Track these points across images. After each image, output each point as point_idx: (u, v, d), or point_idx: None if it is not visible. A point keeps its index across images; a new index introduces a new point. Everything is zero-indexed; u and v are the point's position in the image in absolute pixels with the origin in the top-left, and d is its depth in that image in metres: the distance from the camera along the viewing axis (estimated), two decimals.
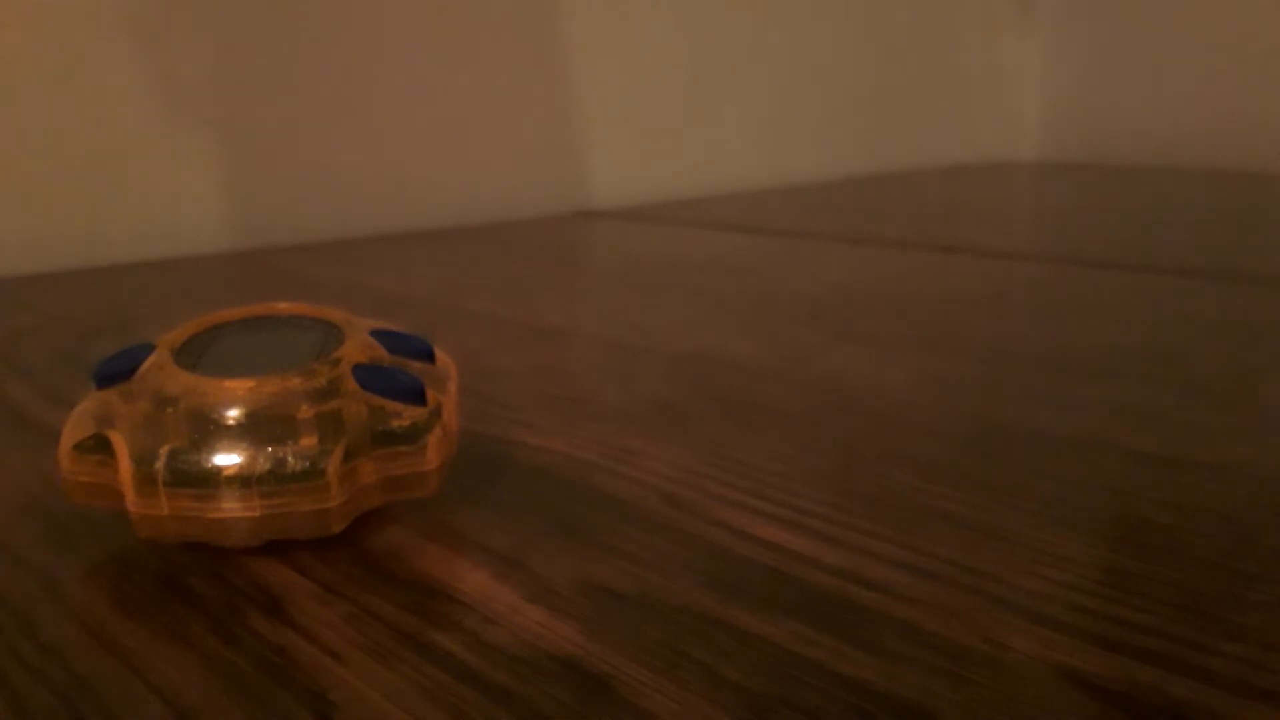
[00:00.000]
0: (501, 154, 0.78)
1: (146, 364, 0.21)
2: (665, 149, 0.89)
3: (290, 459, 0.20)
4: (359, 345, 0.22)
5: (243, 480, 0.20)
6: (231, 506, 0.20)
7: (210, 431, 0.20)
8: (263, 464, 0.20)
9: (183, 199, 0.63)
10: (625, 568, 0.20)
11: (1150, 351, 0.36)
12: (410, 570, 0.20)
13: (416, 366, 0.23)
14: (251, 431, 0.20)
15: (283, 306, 0.24)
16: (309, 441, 0.20)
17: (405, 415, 0.21)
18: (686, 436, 0.28)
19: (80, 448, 0.20)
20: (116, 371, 0.22)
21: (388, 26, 0.70)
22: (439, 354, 0.24)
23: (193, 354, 0.22)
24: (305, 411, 0.20)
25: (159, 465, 0.20)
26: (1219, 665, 0.17)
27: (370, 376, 0.21)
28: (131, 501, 0.20)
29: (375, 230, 0.72)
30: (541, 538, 0.22)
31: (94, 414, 0.21)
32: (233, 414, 0.20)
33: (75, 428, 0.21)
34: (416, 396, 0.21)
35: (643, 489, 0.24)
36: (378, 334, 0.23)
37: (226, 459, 0.20)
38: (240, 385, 0.20)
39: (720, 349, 0.37)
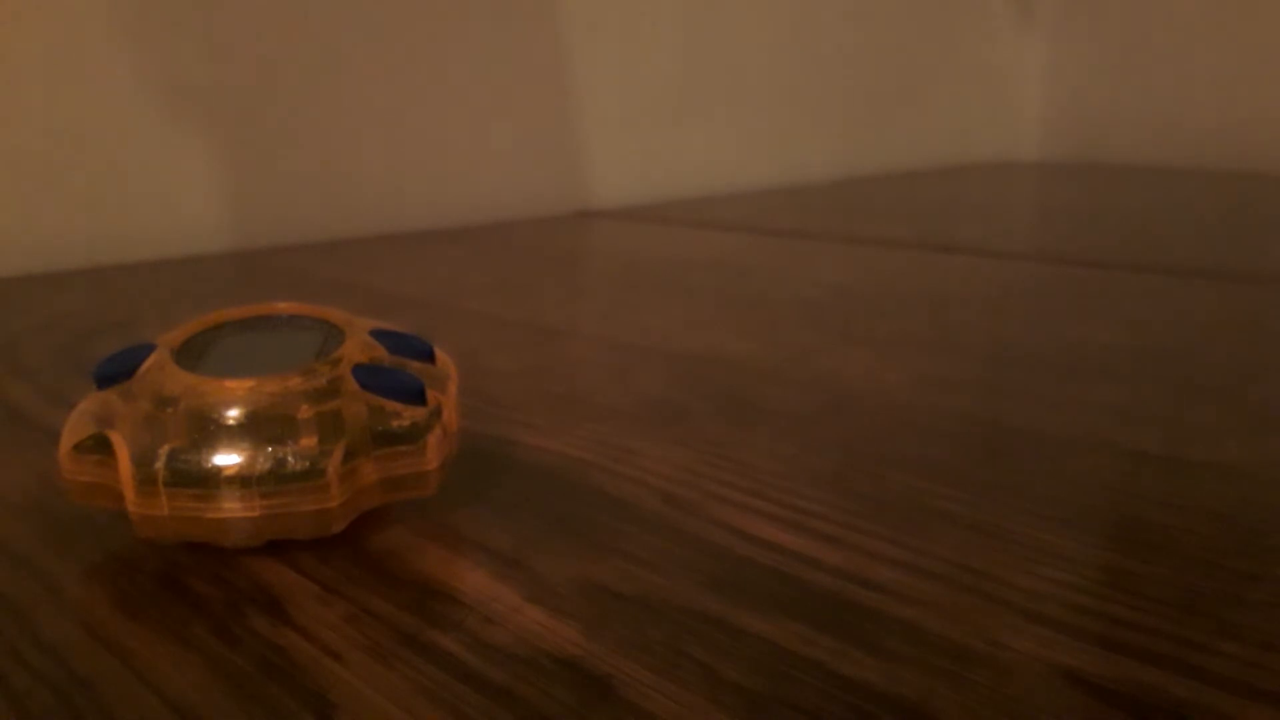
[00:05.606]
0: (501, 154, 0.78)
1: (146, 364, 0.21)
2: (665, 149, 0.89)
3: (290, 459, 0.20)
4: (359, 345, 0.22)
5: (243, 480, 0.20)
6: (231, 506, 0.20)
7: (210, 431, 0.20)
8: (263, 464, 0.20)
9: (182, 199, 0.63)
10: (625, 568, 0.20)
11: (1150, 351, 0.36)
12: (410, 570, 0.20)
13: (416, 366, 0.23)
14: (251, 431, 0.20)
15: (283, 306, 0.24)
16: (309, 441, 0.20)
17: (405, 415, 0.21)
18: (686, 436, 0.28)
19: (80, 448, 0.20)
20: (116, 371, 0.22)
21: (387, 27, 0.70)
22: (439, 354, 0.24)
23: (193, 354, 0.22)
24: (305, 411, 0.20)
25: (159, 465, 0.20)
26: (1219, 665, 0.17)
27: (370, 376, 0.21)
28: (131, 501, 0.20)
29: (375, 230, 0.72)
30: (541, 538, 0.22)
31: (94, 414, 0.21)
32: (233, 414, 0.20)
33: (75, 428, 0.21)
34: (416, 396, 0.21)
35: (643, 489, 0.24)
36: (378, 334, 0.23)
37: (226, 459, 0.20)
38: (240, 385, 0.20)
39: (720, 349, 0.37)
